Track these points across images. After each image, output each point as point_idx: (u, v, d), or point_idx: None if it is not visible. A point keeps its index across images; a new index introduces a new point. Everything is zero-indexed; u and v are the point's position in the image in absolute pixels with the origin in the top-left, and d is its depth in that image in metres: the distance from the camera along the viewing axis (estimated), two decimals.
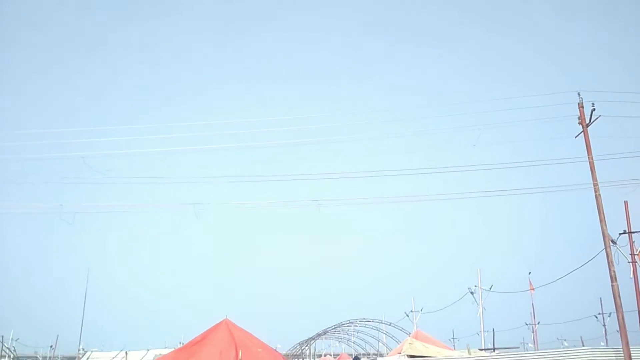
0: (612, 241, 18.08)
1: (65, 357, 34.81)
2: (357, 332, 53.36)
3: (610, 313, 43.45)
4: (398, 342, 38.01)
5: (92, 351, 31.26)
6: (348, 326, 49.52)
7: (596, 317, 48.08)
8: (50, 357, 35.98)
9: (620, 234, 18.49)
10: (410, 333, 33.13)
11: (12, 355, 21.87)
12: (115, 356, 28.26)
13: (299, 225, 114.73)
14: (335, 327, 48.85)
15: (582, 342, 32.85)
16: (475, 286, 39.07)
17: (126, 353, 28.12)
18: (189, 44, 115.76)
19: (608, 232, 18.10)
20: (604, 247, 18.07)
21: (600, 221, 18.13)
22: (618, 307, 17.56)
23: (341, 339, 57.95)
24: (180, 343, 26.18)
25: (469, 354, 21.67)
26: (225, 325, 22.44)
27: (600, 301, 46.89)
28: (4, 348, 30.52)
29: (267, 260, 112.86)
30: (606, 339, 42.99)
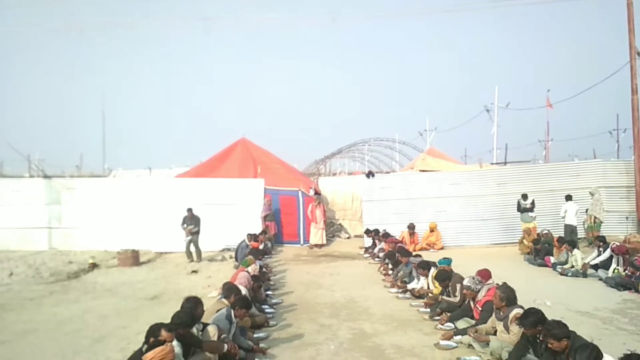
0: (638, 53, 17.42)
1: (92, 176, 36.43)
2: (371, 152, 54.52)
3: (625, 129, 43.50)
4: (411, 160, 38.93)
5: (117, 170, 32.56)
6: (362, 145, 50.46)
7: (610, 134, 48.31)
8: (77, 176, 37.79)
9: None
10: (423, 151, 33.71)
11: (41, 175, 22.93)
12: (140, 174, 29.42)
13: (313, 45, 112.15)
14: (349, 147, 49.80)
15: (595, 157, 33.21)
16: (492, 104, 38.86)
17: (150, 170, 29.30)
18: None
19: (635, 43, 17.36)
20: (628, 59, 17.46)
21: (629, 31, 17.24)
22: (635, 120, 17.42)
23: (355, 158, 59.55)
24: (200, 161, 27.08)
25: (481, 167, 22.18)
26: (243, 144, 23.02)
27: (617, 117, 46.83)
28: (31, 167, 31.89)
29: (281, 82, 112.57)
30: (618, 154, 43.46)
